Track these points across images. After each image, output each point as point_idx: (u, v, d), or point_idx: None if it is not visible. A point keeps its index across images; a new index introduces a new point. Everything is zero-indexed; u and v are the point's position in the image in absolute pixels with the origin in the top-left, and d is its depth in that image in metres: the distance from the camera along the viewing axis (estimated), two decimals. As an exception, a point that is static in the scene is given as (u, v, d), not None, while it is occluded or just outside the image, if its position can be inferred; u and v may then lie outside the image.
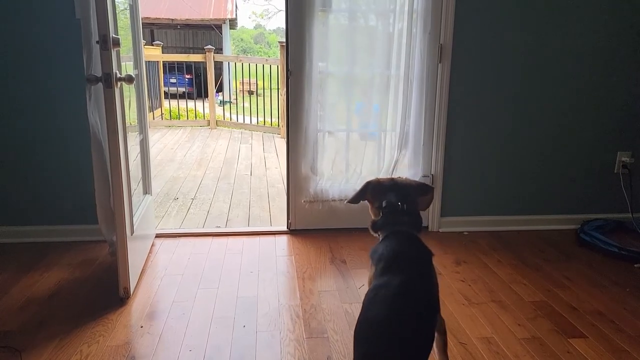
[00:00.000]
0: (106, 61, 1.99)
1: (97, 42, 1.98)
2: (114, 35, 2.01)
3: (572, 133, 3.12)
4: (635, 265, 2.67)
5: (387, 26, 2.92)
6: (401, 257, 1.48)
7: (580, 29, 2.96)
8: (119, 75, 2.08)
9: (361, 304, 1.44)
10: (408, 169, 3.12)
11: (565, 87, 3.05)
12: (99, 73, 2.05)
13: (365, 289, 2.38)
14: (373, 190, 1.67)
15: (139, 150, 2.75)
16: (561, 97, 3.06)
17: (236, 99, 9.47)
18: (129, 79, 2.14)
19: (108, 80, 2.01)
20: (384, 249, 1.52)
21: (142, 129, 2.80)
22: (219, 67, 11.50)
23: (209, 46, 8.00)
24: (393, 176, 1.74)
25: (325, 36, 2.88)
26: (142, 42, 2.82)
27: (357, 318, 1.99)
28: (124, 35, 2.48)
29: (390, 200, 1.60)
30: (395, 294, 1.36)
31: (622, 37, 3.00)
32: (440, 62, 2.93)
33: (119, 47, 2.07)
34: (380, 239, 1.61)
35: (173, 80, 10.00)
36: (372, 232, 1.65)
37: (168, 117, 8.55)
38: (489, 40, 2.93)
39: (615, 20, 2.97)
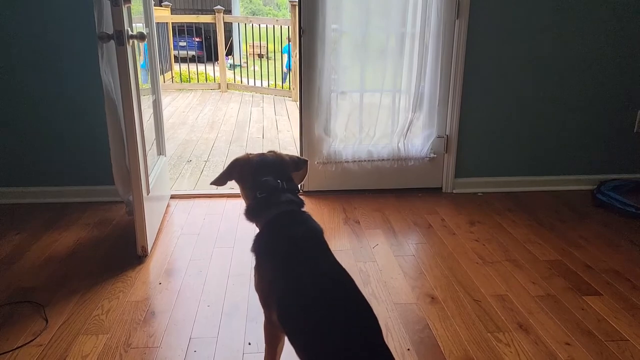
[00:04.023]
0: (117, 18, 1.96)
1: (108, -2, 1.95)
2: (124, -9, 1.97)
3: (591, 92, 3.05)
4: (652, 226, 2.65)
5: (403, -19, 2.83)
6: (302, 245, 1.33)
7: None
8: (130, 32, 2.05)
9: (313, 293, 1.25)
10: (422, 130, 3.09)
11: (586, 45, 2.95)
12: (110, 31, 2.02)
13: (379, 248, 2.41)
14: (242, 169, 1.47)
15: (151, 111, 2.74)
16: (581, 56, 2.97)
17: (246, 62, 9.34)
18: (140, 37, 2.11)
19: (120, 37, 1.98)
20: (273, 237, 1.36)
21: (155, 90, 2.78)
22: (228, 29, 11.32)
23: (219, 7, 7.85)
24: (263, 152, 1.54)
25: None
26: (152, 1, 2.77)
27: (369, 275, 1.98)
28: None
29: (266, 179, 1.42)
30: (332, 298, 1.23)
31: (647, -9, 2.88)
32: (457, 19, 2.84)
33: (130, 3, 2.04)
34: (261, 226, 1.41)
35: (183, 44, 9.87)
36: (247, 220, 1.44)
37: (178, 80, 8.49)
38: (509, -5, 2.83)
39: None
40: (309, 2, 2.77)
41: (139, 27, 2.53)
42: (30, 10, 2.62)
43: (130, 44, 2.07)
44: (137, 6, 2.52)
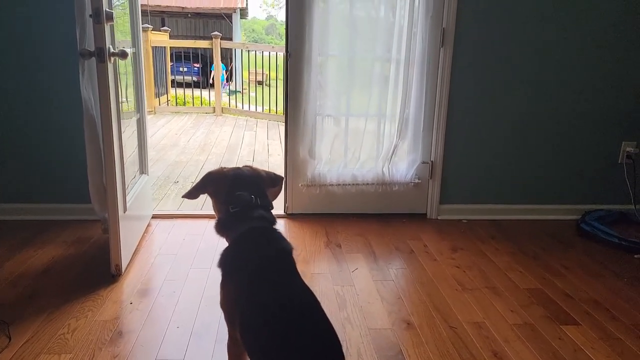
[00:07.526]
0: (99, 35, 1.97)
1: (90, 15, 1.96)
2: (107, 9, 1.99)
3: (576, 122, 3.06)
4: (635, 256, 2.62)
5: (389, 9, 2.87)
6: (270, 264, 1.30)
7: (589, 19, 2.89)
8: (112, 50, 2.07)
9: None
10: (407, 155, 3.09)
11: (570, 76, 2.98)
12: (92, 48, 2.03)
13: (359, 272, 2.37)
14: (215, 183, 1.46)
15: (134, 129, 2.74)
16: (566, 86, 2.99)
17: (242, 89, 9.46)
18: (122, 54, 2.12)
19: (101, 54, 1.99)
20: (241, 253, 1.34)
21: (139, 108, 2.78)
22: (229, 56, 11.48)
23: (216, 33, 7.97)
24: (239, 165, 1.53)
25: (326, 17, 2.83)
26: (142, 25, 2.81)
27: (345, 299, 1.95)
28: (123, 20, 2.46)
29: (240, 193, 1.40)
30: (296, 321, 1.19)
31: (630, 29, 2.92)
32: (442, 47, 2.88)
33: (112, 21, 2.05)
34: (230, 240, 1.39)
35: (183, 70, 10.00)
36: (217, 234, 1.44)
37: (174, 103, 8.55)
38: (493, 24, 2.87)
39: (626, 12, 2.89)
40: (296, 26, 2.81)
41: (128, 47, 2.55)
42: (12, 25, 2.63)
43: (112, 61, 2.08)
44: (125, 28, 2.55)
